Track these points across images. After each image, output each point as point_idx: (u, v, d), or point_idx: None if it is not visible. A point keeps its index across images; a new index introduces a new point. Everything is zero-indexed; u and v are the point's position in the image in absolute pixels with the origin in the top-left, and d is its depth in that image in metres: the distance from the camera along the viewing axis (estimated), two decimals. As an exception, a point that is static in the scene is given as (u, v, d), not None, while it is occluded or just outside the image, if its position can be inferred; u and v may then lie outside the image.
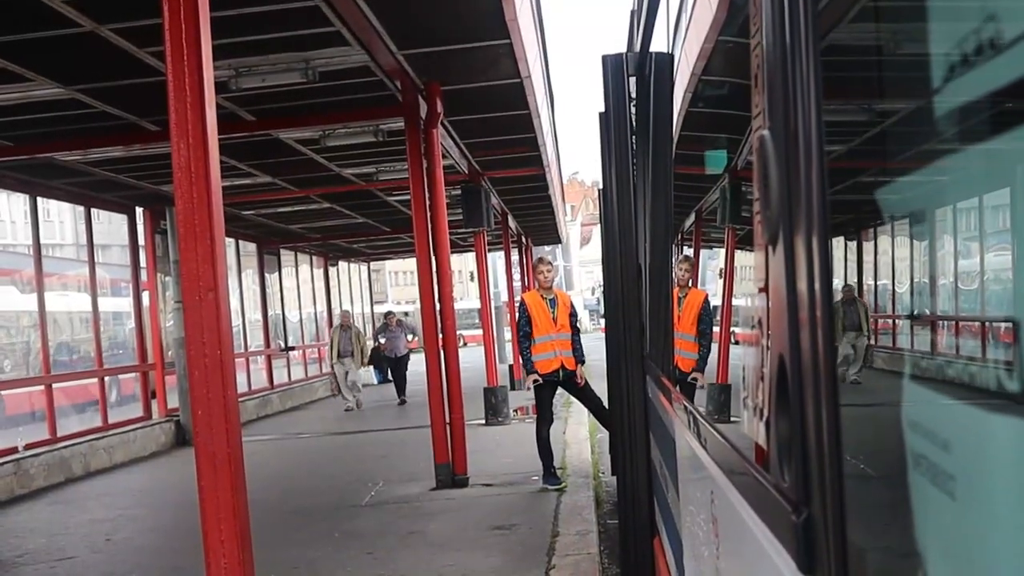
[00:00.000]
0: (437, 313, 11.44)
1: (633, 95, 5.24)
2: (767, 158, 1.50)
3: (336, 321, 24.33)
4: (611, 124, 5.16)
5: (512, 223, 26.65)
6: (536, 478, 10.98)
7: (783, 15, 1.42)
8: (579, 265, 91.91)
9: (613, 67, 5.09)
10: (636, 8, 6.18)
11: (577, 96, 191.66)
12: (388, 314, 26.41)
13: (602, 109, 5.32)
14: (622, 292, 5.25)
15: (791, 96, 1.38)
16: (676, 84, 4.72)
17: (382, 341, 24.59)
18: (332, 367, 22.43)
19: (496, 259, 31.72)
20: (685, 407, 3.41)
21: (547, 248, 66.21)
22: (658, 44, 4.97)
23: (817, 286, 1.34)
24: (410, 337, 25.11)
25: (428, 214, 11.34)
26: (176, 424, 17.46)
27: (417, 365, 14.61)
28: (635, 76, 5.17)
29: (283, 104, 11.41)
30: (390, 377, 30.50)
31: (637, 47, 5.54)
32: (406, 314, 52.30)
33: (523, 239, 32.27)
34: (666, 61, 4.92)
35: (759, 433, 1.82)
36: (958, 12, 1.26)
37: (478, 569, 7.75)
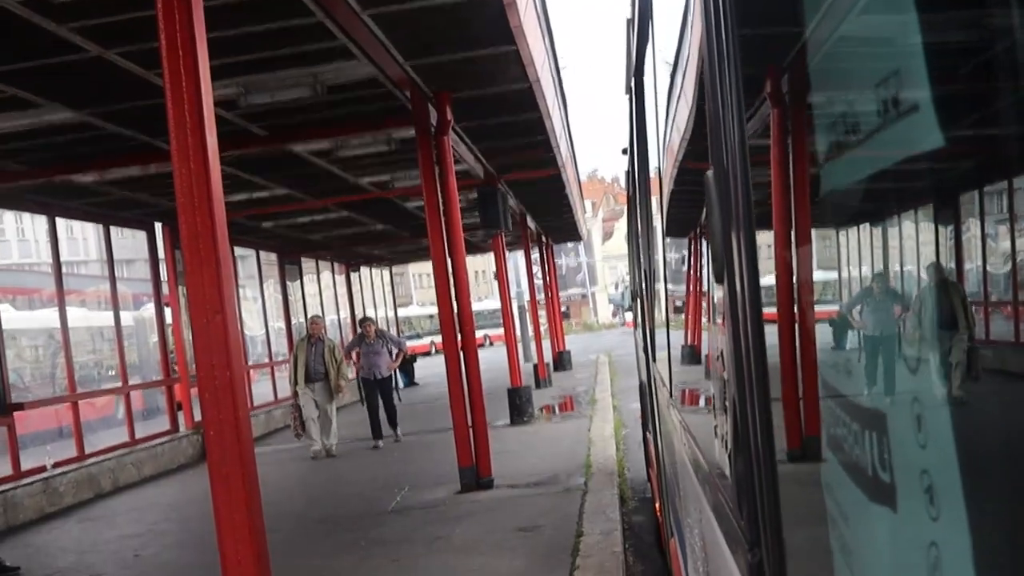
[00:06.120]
0: (455, 315, 11.45)
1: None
2: (711, 199, 1.51)
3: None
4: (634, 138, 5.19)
5: (531, 223, 26.63)
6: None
7: (714, 57, 1.43)
8: (602, 260, 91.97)
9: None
10: (631, 17, 6.17)
11: (593, 92, 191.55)
12: (364, 321, 18.37)
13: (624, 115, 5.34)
14: (640, 300, 5.28)
15: (724, 140, 1.39)
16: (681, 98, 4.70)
17: (355, 357, 17.75)
18: (295, 395, 15.90)
19: (518, 258, 31.70)
20: (681, 423, 3.42)
21: (569, 245, 65.88)
22: (655, 53, 4.96)
23: (751, 340, 1.35)
24: (394, 351, 17.40)
25: (442, 219, 11.37)
26: (203, 436, 17.52)
27: (436, 368, 14.42)
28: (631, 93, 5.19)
29: (294, 118, 11.47)
30: (414, 380, 29.47)
31: (633, 59, 5.55)
32: (431, 317, 51.28)
33: (543, 238, 32.25)
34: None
35: (726, 467, 1.83)
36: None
37: (502, 572, 7.78)
